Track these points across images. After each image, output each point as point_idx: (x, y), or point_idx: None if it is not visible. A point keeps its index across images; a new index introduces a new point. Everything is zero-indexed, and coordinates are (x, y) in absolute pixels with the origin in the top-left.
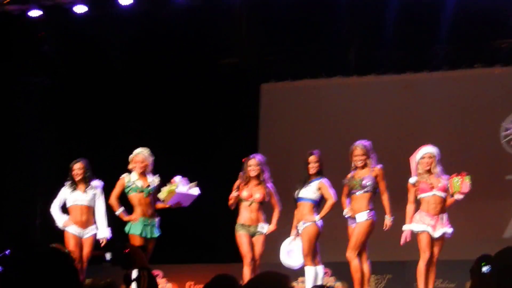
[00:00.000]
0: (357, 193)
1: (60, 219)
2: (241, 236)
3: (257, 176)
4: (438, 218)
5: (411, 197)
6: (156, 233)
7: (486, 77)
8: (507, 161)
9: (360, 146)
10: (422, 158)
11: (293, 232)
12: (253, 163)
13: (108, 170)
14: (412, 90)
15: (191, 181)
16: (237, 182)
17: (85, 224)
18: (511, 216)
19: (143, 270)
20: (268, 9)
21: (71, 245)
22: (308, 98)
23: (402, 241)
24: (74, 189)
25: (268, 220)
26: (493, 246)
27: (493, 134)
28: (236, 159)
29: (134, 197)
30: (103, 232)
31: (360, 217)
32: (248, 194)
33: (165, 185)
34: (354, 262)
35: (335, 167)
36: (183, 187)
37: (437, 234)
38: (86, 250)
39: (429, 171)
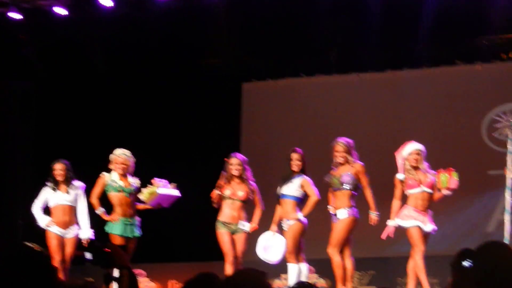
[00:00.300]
0: (335, 190)
1: (42, 219)
2: (223, 234)
3: (240, 175)
4: (426, 214)
5: (397, 192)
6: (137, 233)
7: (467, 74)
8: (489, 156)
9: (341, 142)
10: (410, 154)
11: (273, 227)
12: (235, 162)
13: (90, 171)
14: (393, 88)
15: (170, 181)
16: (219, 181)
17: (67, 224)
18: (494, 211)
19: (124, 270)
20: (248, 8)
21: (53, 244)
22: (289, 97)
23: (384, 235)
24: (56, 189)
25: (249, 219)
26: (476, 240)
27: (475, 130)
28: (218, 158)
29: (114, 196)
30: (86, 232)
31: (340, 214)
32: (232, 192)
33: (146, 186)
34: (336, 259)
35: (317, 166)
36: (164, 189)
37: (427, 228)
38: (69, 250)
39: (416, 167)
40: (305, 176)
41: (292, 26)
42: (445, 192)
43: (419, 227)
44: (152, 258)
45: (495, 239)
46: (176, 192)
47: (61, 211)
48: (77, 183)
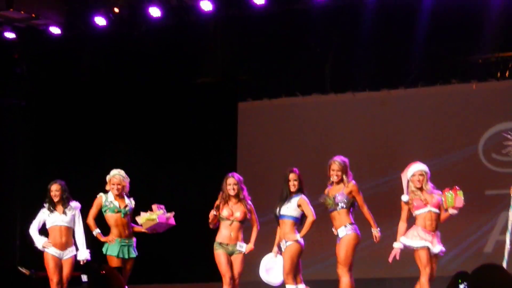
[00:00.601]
0: (332, 211)
1: (39, 240)
2: (220, 255)
3: (236, 195)
4: (435, 234)
5: (403, 214)
6: (133, 254)
7: (463, 92)
8: (487, 176)
9: (337, 161)
10: (413, 175)
11: (275, 249)
12: (232, 182)
13: (85, 191)
14: (389, 107)
15: (168, 209)
16: (217, 202)
17: (64, 246)
18: (492, 231)
19: None
20: (243, 28)
21: (51, 266)
22: (285, 116)
23: (391, 258)
24: (53, 210)
25: (246, 239)
26: (474, 261)
27: (472, 149)
28: (215, 178)
29: (111, 217)
30: (83, 253)
31: (341, 233)
32: (229, 213)
33: (141, 208)
34: (344, 279)
35: (313, 185)
36: (162, 217)
37: (435, 250)
38: (66, 271)
39: (420, 188)
40: (302, 196)
41: (287, 46)
42: (452, 211)
43: (428, 248)
44: (149, 279)
45: (491, 262)
46: (172, 221)
47: (58, 232)
48: (74, 204)
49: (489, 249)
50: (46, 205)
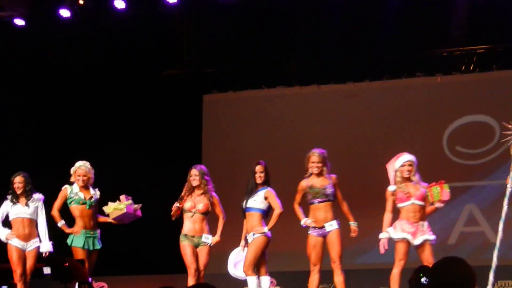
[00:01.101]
0: (317, 202)
1: (2, 232)
2: (185, 247)
3: (200, 186)
4: (418, 225)
5: (388, 205)
6: (98, 245)
7: (428, 85)
8: (451, 169)
9: (317, 153)
10: (402, 166)
11: (242, 242)
12: (194, 173)
13: (48, 183)
14: (354, 100)
15: (135, 200)
16: (182, 194)
17: (27, 237)
18: (455, 223)
19: (83, 284)
20: (208, 20)
21: (14, 258)
22: (250, 109)
23: (381, 249)
24: (15, 202)
25: (213, 231)
26: (438, 253)
27: (437, 142)
28: (180, 170)
29: (76, 208)
30: (45, 245)
31: (330, 226)
32: (191, 205)
33: (112, 200)
34: (340, 277)
35: (278, 177)
36: (130, 207)
37: (417, 241)
38: (30, 263)
39: (408, 179)
40: (269, 188)
41: (252, 38)
42: (438, 205)
43: (407, 241)
44: (114, 271)
45: (453, 255)
46: (139, 213)
47: (21, 224)
48: (37, 196)
49: (453, 241)
50: (9, 197)
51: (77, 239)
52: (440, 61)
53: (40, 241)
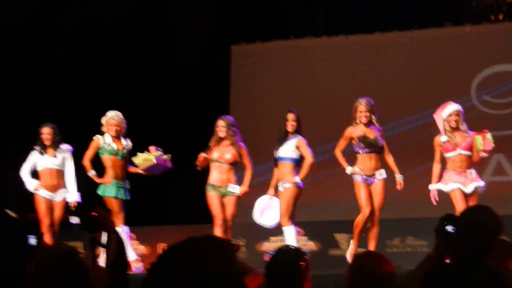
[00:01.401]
0: (367, 152)
1: (30, 182)
2: (212, 197)
3: (227, 137)
4: (466, 174)
5: (437, 156)
6: (127, 196)
7: (457, 36)
8: (479, 119)
9: (364, 102)
10: (450, 115)
11: (271, 191)
12: (221, 124)
13: (77, 135)
14: (382, 50)
15: (165, 152)
16: (209, 144)
17: (55, 188)
18: (483, 173)
19: (112, 234)
20: None
21: (42, 208)
22: (278, 59)
23: (433, 201)
24: (43, 153)
25: (240, 181)
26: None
27: (465, 92)
28: (208, 122)
29: (108, 159)
30: (73, 195)
31: (380, 175)
32: (219, 155)
33: (141, 151)
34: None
35: (305, 127)
36: (160, 158)
37: (468, 189)
38: (58, 213)
39: (456, 128)
40: (300, 137)
41: None
42: (482, 154)
43: (459, 189)
44: (141, 221)
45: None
46: (169, 164)
47: (49, 174)
48: (65, 146)
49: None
50: (37, 147)
51: (109, 189)
52: (469, 10)
53: (68, 192)
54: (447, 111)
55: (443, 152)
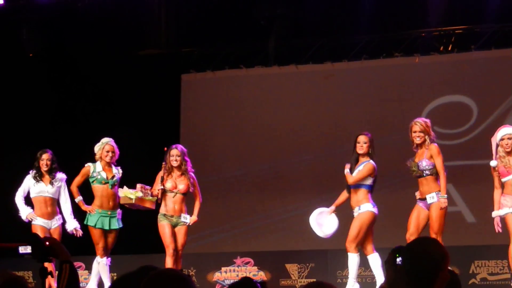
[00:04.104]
0: (419, 177)
1: (24, 210)
2: (164, 227)
3: (179, 166)
4: None
5: (495, 182)
6: (116, 225)
7: (406, 66)
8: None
9: (418, 122)
10: (502, 139)
11: (332, 207)
12: (175, 153)
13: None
14: (332, 80)
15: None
16: (160, 173)
17: (51, 215)
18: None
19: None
20: (187, 0)
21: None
22: (228, 88)
23: (496, 228)
24: (39, 180)
25: (189, 211)
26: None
27: None
28: (158, 150)
29: (97, 188)
30: (72, 223)
31: (430, 199)
32: (172, 185)
33: (132, 181)
34: None
35: (256, 156)
36: (139, 200)
37: None
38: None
39: (510, 153)
40: (371, 161)
41: (231, 17)
42: None
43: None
44: (90, 250)
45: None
46: (150, 205)
47: (43, 202)
48: (60, 175)
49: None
50: (32, 172)
51: (91, 218)
52: (418, 41)
53: (64, 219)
54: (500, 134)
55: (500, 177)
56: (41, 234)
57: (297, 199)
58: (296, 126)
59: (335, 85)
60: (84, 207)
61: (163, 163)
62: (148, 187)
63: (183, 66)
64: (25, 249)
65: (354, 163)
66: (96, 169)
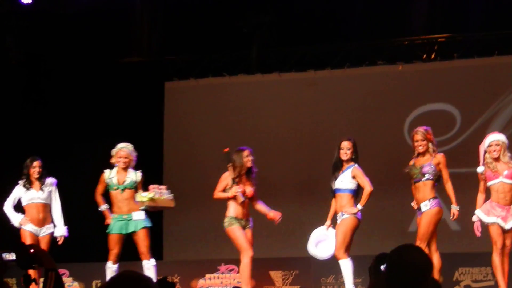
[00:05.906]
0: (418, 182)
1: (15, 218)
2: (237, 229)
3: (250, 169)
4: (510, 208)
5: (480, 186)
6: (133, 228)
7: (389, 74)
8: (412, 157)
9: (420, 131)
10: (490, 146)
11: (327, 222)
12: (248, 154)
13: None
14: (315, 88)
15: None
16: (226, 174)
17: (42, 223)
18: (415, 211)
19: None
20: (170, 7)
21: (28, 242)
22: (211, 96)
23: (476, 233)
24: (29, 187)
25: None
26: (398, 240)
27: (397, 130)
28: (141, 158)
29: (111, 194)
30: (60, 229)
31: (424, 207)
32: (242, 189)
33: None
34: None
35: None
36: (154, 201)
37: (508, 225)
38: (43, 248)
39: (497, 159)
40: (356, 165)
41: (214, 25)
42: None
43: (498, 225)
44: (76, 257)
45: (413, 242)
46: (170, 205)
47: (35, 209)
48: (50, 180)
49: (413, 228)
50: (21, 181)
51: (110, 227)
52: (401, 49)
53: (55, 226)
54: (488, 141)
55: (486, 181)
56: (29, 240)
57: (280, 205)
58: (279, 133)
59: (318, 93)
60: (106, 219)
61: (229, 164)
62: (162, 187)
63: (166, 73)
64: (9, 256)
65: (339, 169)
66: (110, 175)
